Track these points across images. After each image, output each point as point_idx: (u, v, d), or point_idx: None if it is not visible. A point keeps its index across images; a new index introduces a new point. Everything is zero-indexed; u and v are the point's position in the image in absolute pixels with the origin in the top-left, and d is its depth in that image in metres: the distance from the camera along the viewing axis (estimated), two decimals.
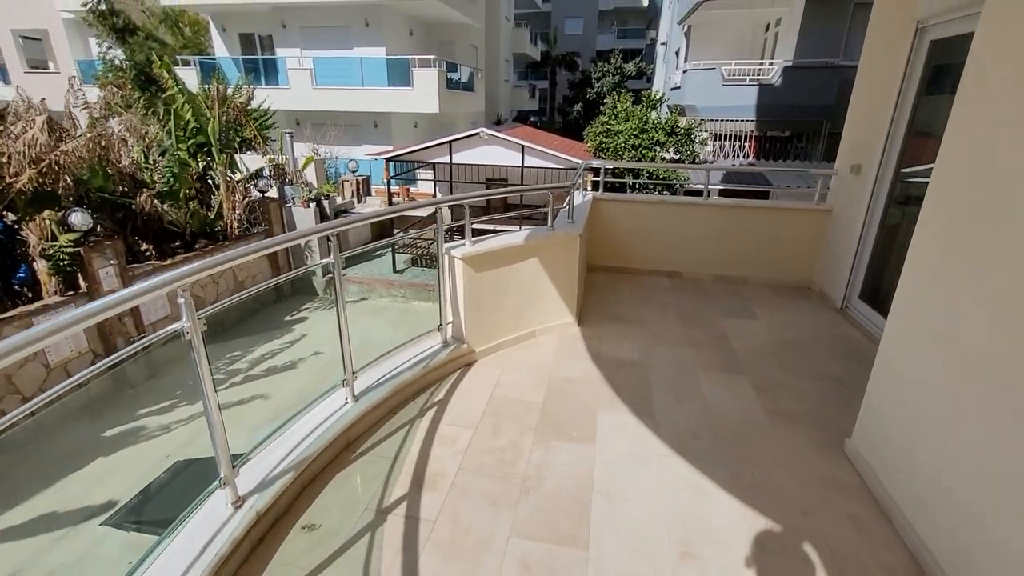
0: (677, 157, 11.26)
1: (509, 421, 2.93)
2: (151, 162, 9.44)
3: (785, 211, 5.03)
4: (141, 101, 9.17)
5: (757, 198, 7.51)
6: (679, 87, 12.05)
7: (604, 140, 10.89)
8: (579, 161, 10.01)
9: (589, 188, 9.45)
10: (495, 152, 10.44)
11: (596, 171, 11.00)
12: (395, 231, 14.15)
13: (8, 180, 6.78)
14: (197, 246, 9.45)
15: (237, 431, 6.42)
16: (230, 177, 10.67)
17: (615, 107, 11.52)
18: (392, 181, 11.94)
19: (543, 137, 12.38)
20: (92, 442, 6.51)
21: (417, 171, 14.54)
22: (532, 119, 33.21)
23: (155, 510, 5.20)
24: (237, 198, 10.21)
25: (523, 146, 9.87)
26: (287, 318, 10.40)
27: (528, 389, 3.28)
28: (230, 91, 15.91)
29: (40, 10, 23.06)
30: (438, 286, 3.37)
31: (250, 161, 12.39)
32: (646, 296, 4.95)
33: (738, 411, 3.05)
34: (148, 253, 9.41)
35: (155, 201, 8.46)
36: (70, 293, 6.95)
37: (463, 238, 3.32)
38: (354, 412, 2.69)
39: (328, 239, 2.43)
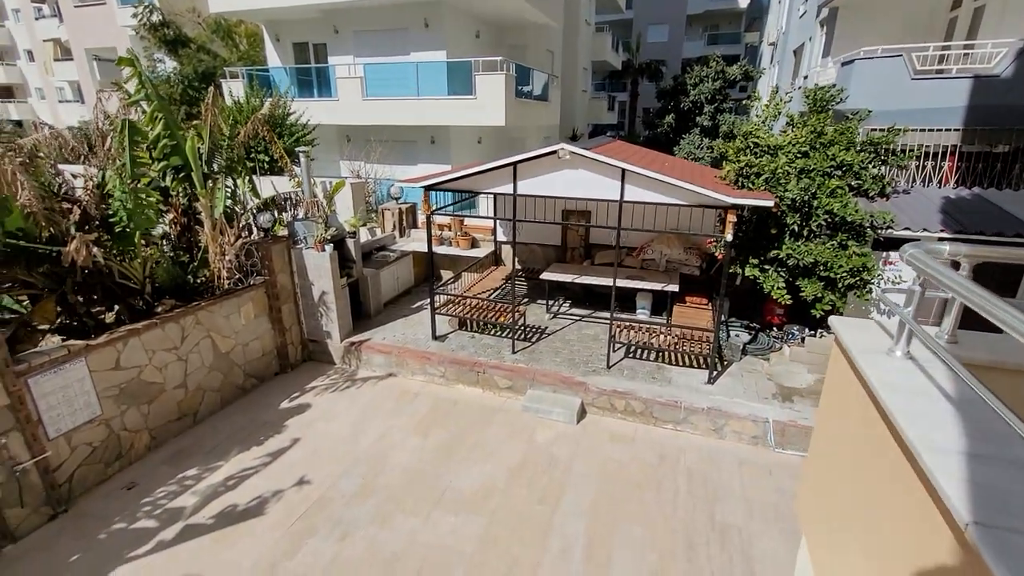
0: (857, 185, 7.37)
1: None
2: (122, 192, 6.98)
3: None
4: (159, 117, 6.69)
5: None
6: (828, 87, 8.25)
7: (751, 162, 7.20)
8: (720, 196, 6.41)
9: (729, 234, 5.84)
10: (580, 178, 7.08)
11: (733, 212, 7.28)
12: (440, 275, 11.13)
13: None
14: (160, 308, 6.81)
15: None
16: (231, 209, 8.09)
17: (761, 109, 7.81)
18: (437, 212, 8.91)
19: (646, 156, 8.78)
20: None
21: (474, 198, 11.52)
22: (610, 133, 29.65)
23: None
24: (228, 239, 7.55)
25: (623, 170, 6.37)
26: (284, 403, 7.55)
27: None
28: (266, 104, 13.85)
29: (109, 28, 22.86)
30: None
31: (281, 185, 9.92)
32: None
33: None
34: (107, 320, 6.92)
35: (92, 248, 5.87)
36: None
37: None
38: None
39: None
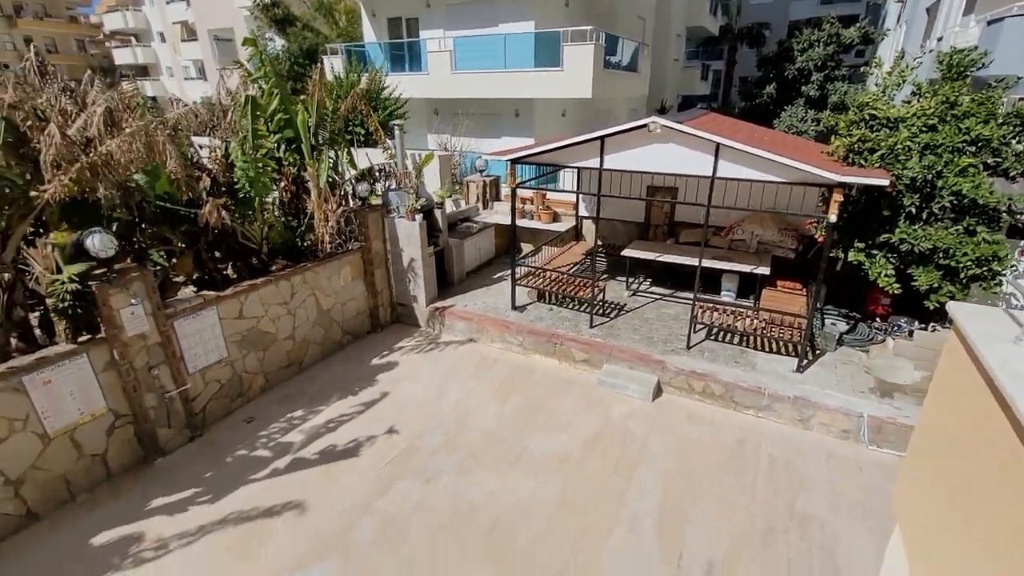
0: (995, 164, 6.47)
1: None
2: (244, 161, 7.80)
3: None
4: (275, 93, 7.40)
5: None
6: (969, 50, 7.12)
7: (866, 136, 6.59)
8: (826, 173, 5.98)
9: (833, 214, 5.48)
10: (669, 153, 6.86)
11: (840, 191, 6.66)
12: (521, 248, 11.32)
13: (39, 189, 5.28)
14: (274, 267, 7.61)
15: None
16: (332, 178, 8.74)
17: (881, 77, 7.04)
18: (521, 187, 9.04)
19: (742, 130, 8.31)
20: (70, 552, 4.75)
21: (559, 172, 11.51)
22: (701, 105, 27.96)
23: None
24: (331, 206, 8.21)
25: (718, 145, 6.12)
26: (375, 360, 8.21)
27: None
28: (363, 79, 14.56)
29: (228, 10, 24.83)
30: None
31: (376, 156, 10.51)
32: None
33: None
34: (232, 275, 7.84)
35: (221, 211, 6.67)
36: (84, 339, 5.30)
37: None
38: None
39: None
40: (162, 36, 37.51)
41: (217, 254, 7.70)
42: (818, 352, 7.52)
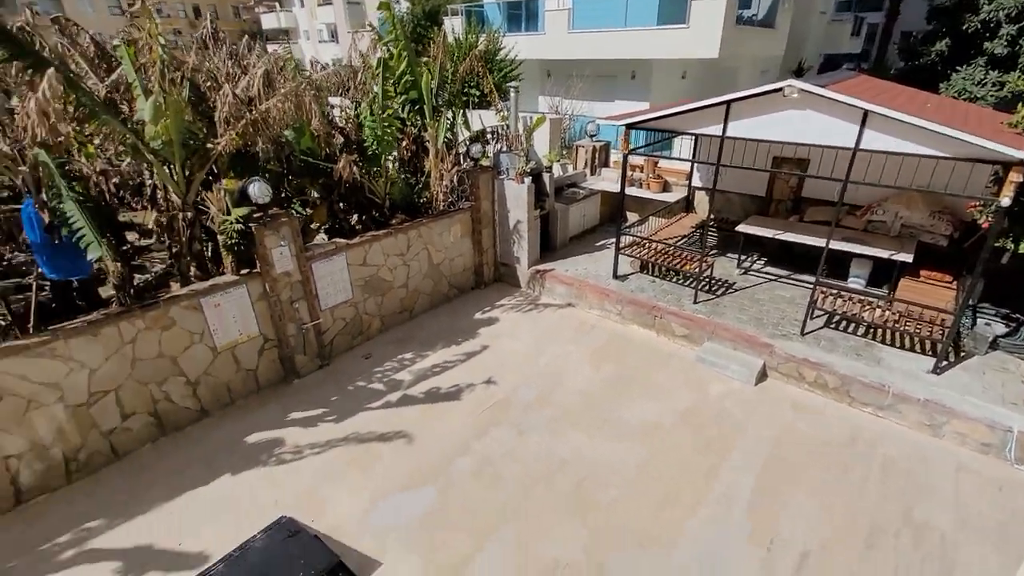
0: None
1: None
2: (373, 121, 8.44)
3: None
4: (404, 56, 7.92)
5: None
6: None
7: None
8: (1005, 149, 5.13)
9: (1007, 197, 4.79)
10: (805, 120, 6.28)
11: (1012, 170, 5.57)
12: (626, 216, 11.07)
13: (214, 141, 6.21)
14: (394, 221, 8.25)
15: (354, 489, 5.16)
16: (448, 139, 9.15)
17: None
18: (633, 153, 8.76)
19: (899, 95, 7.34)
20: (230, 445, 5.79)
21: (674, 139, 10.95)
22: (848, 65, 24.54)
23: None
24: (446, 166, 8.64)
25: (865, 112, 5.51)
26: (477, 315, 8.69)
27: None
28: (481, 40, 14.74)
29: None
30: None
31: (488, 119, 10.79)
32: None
33: None
34: (358, 226, 8.66)
35: (353, 167, 7.34)
36: (243, 272, 6.25)
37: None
38: None
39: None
40: (301, 1, 40.54)
41: (345, 206, 8.52)
42: (963, 354, 6.64)
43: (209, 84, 6.97)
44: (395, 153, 9.06)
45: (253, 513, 4.86)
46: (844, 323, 7.35)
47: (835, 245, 7.05)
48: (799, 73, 19.80)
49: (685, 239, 9.42)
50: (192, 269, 6.50)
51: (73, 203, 5.45)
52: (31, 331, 5.35)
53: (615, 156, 12.58)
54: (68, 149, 6.17)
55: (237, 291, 6.15)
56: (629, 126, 7.94)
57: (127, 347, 5.38)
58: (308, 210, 8.03)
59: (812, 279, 7.20)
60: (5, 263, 7.99)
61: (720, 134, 7.14)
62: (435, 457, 5.61)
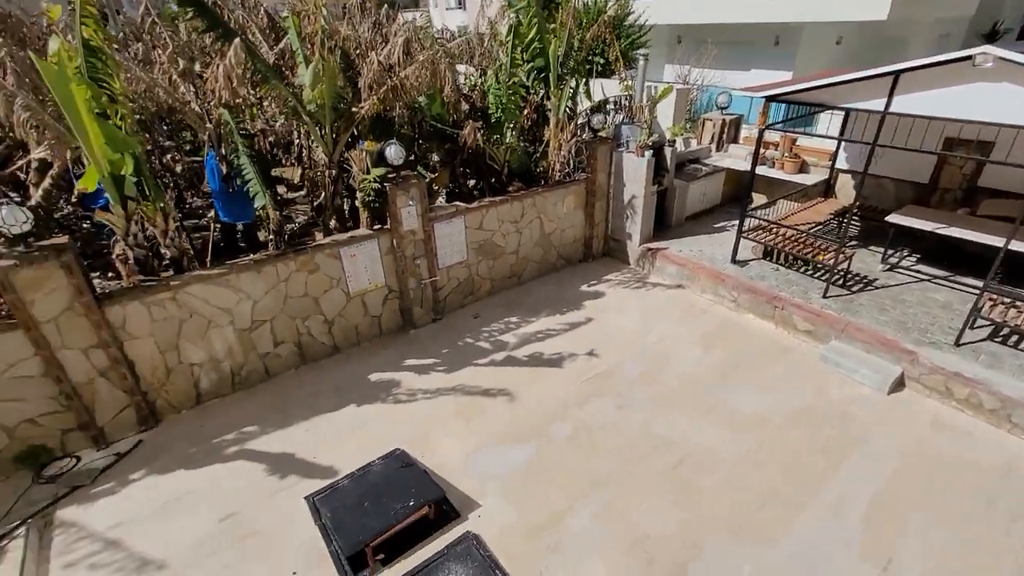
0: None
1: None
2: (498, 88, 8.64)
3: None
4: (535, 23, 8.01)
5: None
6: None
7: None
8: None
9: None
10: (998, 95, 5.34)
11: None
12: (752, 198, 10.26)
13: (358, 106, 6.80)
14: (510, 188, 8.46)
15: (459, 435, 5.63)
16: (569, 109, 9.09)
17: None
18: (770, 128, 8.03)
19: None
20: (356, 380, 6.52)
21: (816, 116, 9.83)
22: None
23: (351, 512, 4.46)
24: (565, 136, 8.62)
25: None
26: (583, 287, 8.73)
27: None
28: (610, 5, 14.18)
29: None
30: None
31: (610, 88, 10.52)
32: None
33: None
34: (477, 190, 9.03)
35: (477, 134, 7.62)
36: (376, 228, 6.85)
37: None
38: None
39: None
40: None
41: (465, 171, 8.90)
42: None
43: (357, 52, 7.56)
44: (516, 121, 9.23)
45: (372, 441, 5.49)
46: (1016, 338, 6.30)
47: (1017, 246, 5.99)
48: (992, 38, 16.58)
49: (821, 226, 8.55)
50: (332, 222, 7.27)
51: (246, 157, 6.33)
52: (208, 265, 6.39)
53: (746, 131, 11.64)
54: (242, 110, 7.14)
55: (370, 244, 6.78)
56: (770, 98, 7.29)
57: (281, 285, 6.24)
58: (431, 173, 8.52)
59: (978, 283, 6.22)
60: (187, 206, 9.55)
61: (882, 109, 6.29)
62: (535, 418, 5.87)
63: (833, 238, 7.56)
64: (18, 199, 6.08)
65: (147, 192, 5.60)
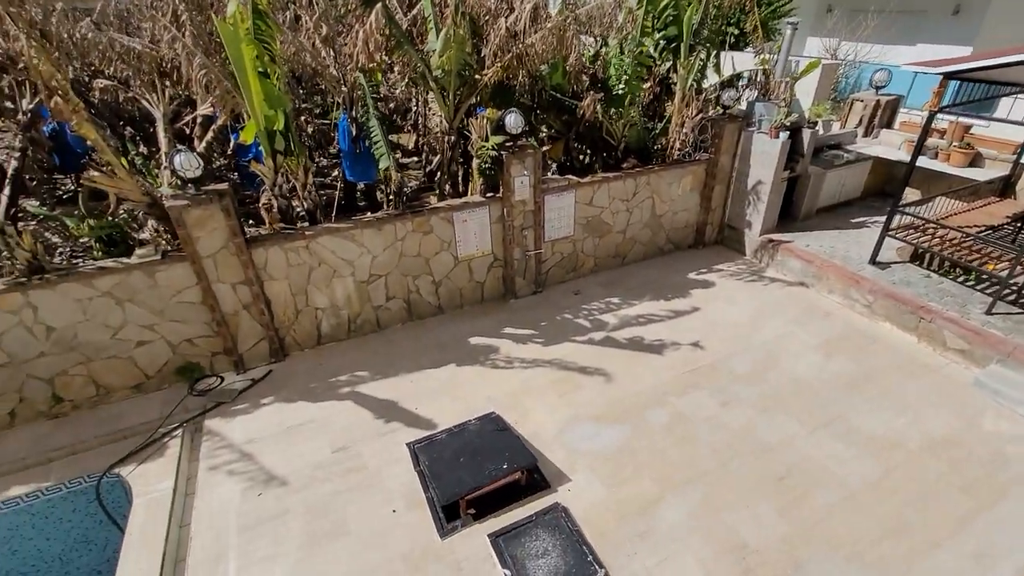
0: None
1: None
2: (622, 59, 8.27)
3: None
4: None
5: None
6: None
7: None
8: None
9: None
10: None
11: None
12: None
13: (482, 73, 6.86)
14: (624, 165, 8.14)
15: (552, 408, 5.69)
16: (696, 83, 8.49)
17: None
18: (943, 112, 6.89)
19: None
20: (457, 341, 6.78)
21: (997, 100, 8.25)
22: None
23: (447, 464, 4.72)
24: (690, 112, 8.07)
25: None
26: (691, 275, 8.27)
27: None
28: None
29: None
30: None
31: (742, 61, 9.68)
32: None
33: None
34: (592, 164, 8.82)
35: (596, 107, 7.37)
36: (488, 195, 6.95)
37: None
38: None
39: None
40: None
41: (580, 144, 8.69)
42: None
43: (486, 19, 7.58)
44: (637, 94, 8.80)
45: (470, 401, 5.70)
46: None
47: None
48: None
49: (991, 231, 7.28)
50: (447, 187, 7.49)
51: (376, 120, 6.66)
52: (333, 219, 6.89)
53: (904, 115, 10.16)
54: (374, 75, 7.50)
55: (481, 211, 6.91)
56: (948, 75, 6.23)
57: (398, 243, 6.58)
58: (546, 144, 8.43)
59: None
60: (316, 165, 10.34)
61: None
62: (631, 401, 5.72)
63: (1008, 245, 6.40)
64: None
65: (291, 148, 6.12)
